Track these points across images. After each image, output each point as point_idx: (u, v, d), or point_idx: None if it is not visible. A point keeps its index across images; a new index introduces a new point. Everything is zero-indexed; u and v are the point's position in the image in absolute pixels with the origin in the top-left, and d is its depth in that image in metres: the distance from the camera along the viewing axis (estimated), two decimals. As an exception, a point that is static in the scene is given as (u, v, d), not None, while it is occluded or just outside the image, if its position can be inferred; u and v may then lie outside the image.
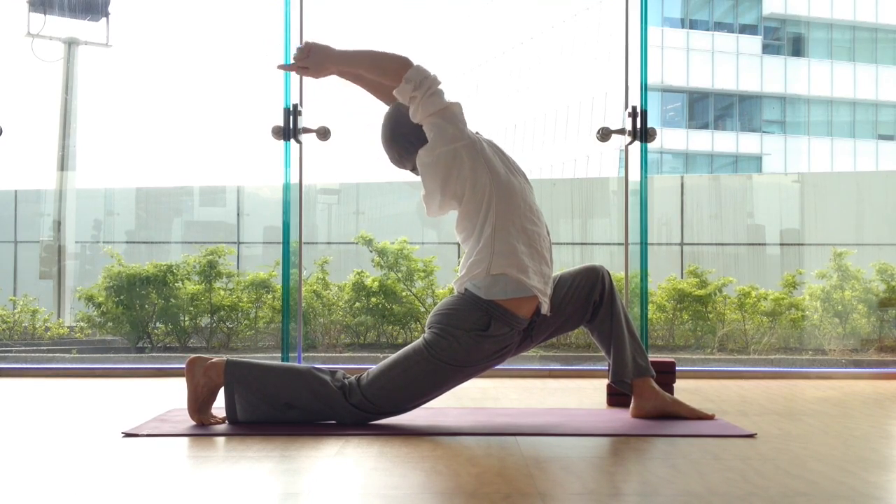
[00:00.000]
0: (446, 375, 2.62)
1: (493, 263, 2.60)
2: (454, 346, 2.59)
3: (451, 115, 2.65)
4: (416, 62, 2.66)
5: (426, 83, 2.63)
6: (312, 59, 2.72)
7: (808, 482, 1.94)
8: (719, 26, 26.65)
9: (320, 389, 2.62)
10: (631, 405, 2.87)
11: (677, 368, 3.31)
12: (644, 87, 4.23)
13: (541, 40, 25.10)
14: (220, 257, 6.80)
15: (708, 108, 26.62)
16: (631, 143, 4.20)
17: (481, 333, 2.59)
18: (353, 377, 2.67)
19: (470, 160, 2.64)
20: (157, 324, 6.73)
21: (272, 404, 2.62)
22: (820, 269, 6.94)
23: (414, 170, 2.77)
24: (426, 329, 2.68)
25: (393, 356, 2.67)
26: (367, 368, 2.70)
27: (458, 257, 7.25)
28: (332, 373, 2.68)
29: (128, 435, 2.52)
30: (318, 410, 2.63)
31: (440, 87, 2.66)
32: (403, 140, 2.72)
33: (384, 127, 2.77)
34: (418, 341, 2.66)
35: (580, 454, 2.28)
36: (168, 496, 1.82)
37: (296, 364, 2.78)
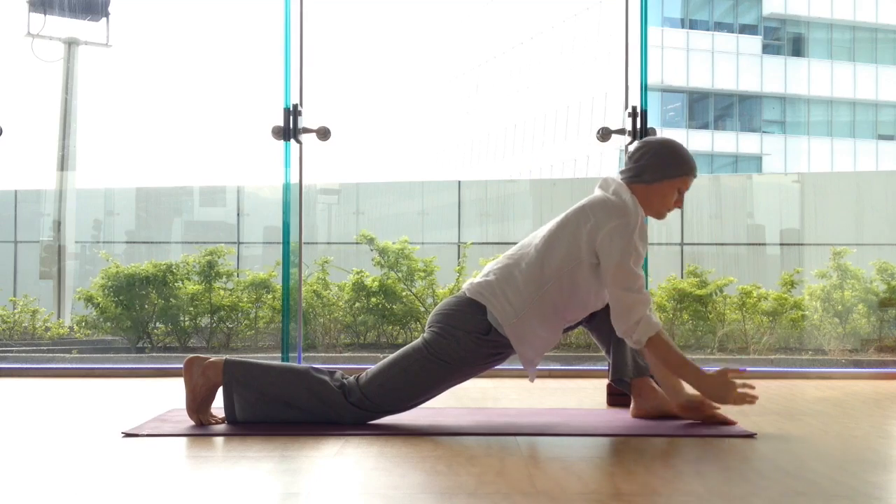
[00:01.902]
0: (445, 374, 2.62)
1: (512, 326, 2.60)
2: (453, 346, 2.60)
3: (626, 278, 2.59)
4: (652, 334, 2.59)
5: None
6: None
7: (808, 482, 1.94)
8: (719, 26, 26.65)
9: (319, 388, 2.62)
10: (631, 405, 2.87)
11: (677, 368, 3.30)
12: (644, 87, 4.23)
13: (541, 40, 25.11)
14: (219, 257, 6.80)
15: (708, 108, 26.61)
16: (631, 143, 4.20)
17: (481, 337, 2.60)
18: (352, 377, 2.68)
19: (580, 270, 2.61)
20: (157, 324, 6.73)
21: (271, 404, 2.62)
22: (820, 268, 6.95)
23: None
24: (426, 329, 2.68)
25: (392, 355, 2.68)
26: (367, 368, 2.71)
27: (459, 258, 7.24)
28: (331, 373, 2.69)
29: (128, 435, 2.52)
30: (318, 409, 2.63)
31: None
32: (630, 177, 2.71)
33: (655, 154, 2.71)
34: (418, 340, 2.67)
35: (580, 454, 2.28)
36: (168, 496, 1.82)
37: (295, 364, 2.78)
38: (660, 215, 2.76)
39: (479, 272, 2.78)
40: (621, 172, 2.77)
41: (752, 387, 2.61)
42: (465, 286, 2.71)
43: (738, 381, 2.62)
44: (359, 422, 2.64)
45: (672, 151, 2.72)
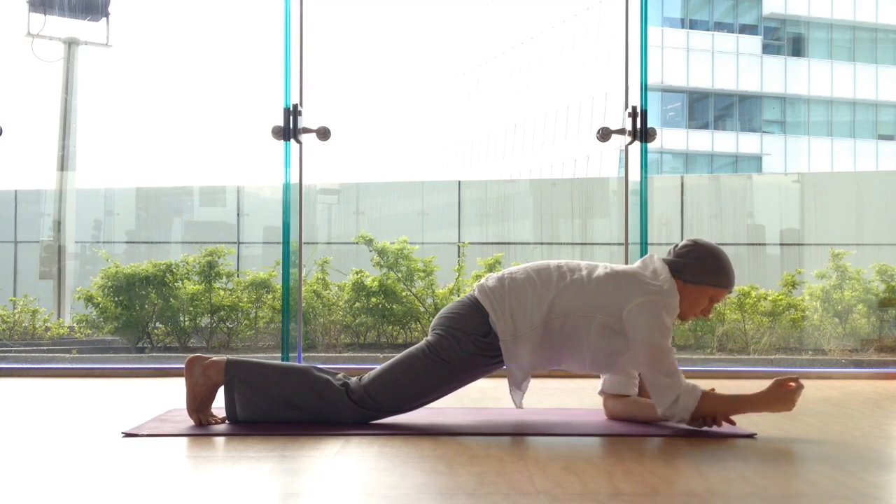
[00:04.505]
0: (446, 376, 2.63)
1: (507, 343, 2.59)
2: (454, 348, 2.61)
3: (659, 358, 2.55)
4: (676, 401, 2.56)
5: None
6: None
7: (808, 482, 1.94)
8: (719, 26, 26.65)
9: (322, 387, 2.63)
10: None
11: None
12: (644, 87, 4.23)
13: (541, 40, 25.09)
14: (219, 257, 6.80)
15: (708, 108, 26.62)
16: (631, 143, 4.20)
17: (481, 339, 2.61)
18: (354, 377, 2.69)
19: (586, 323, 2.58)
20: (157, 324, 6.73)
21: (273, 403, 2.63)
22: (819, 269, 6.94)
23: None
24: (430, 332, 2.69)
25: (396, 356, 2.69)
26: (368, 368, 2.72)
27: (458, 257, 7.25)
28: (333, 373, 2.70)
29: (128, 435, 2.52)
30: (320, 409, 2.63)
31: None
32: (679, 270, 2.66)
33: (708, 261, 2.67)
34: (421, 342, 2.68)
35: (580, 454, 2.28)
36: (168, 496, 1.82)
37: (296, 363, 2.78)
38: (684, 317, 2.71)
39: (493, 272, 2.77)
40: (664, 259, 2.72)
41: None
42: (476, 285, 2.71)
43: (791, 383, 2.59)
44: (360, 421, 2.64)
45: (717, 262, 2.67)
